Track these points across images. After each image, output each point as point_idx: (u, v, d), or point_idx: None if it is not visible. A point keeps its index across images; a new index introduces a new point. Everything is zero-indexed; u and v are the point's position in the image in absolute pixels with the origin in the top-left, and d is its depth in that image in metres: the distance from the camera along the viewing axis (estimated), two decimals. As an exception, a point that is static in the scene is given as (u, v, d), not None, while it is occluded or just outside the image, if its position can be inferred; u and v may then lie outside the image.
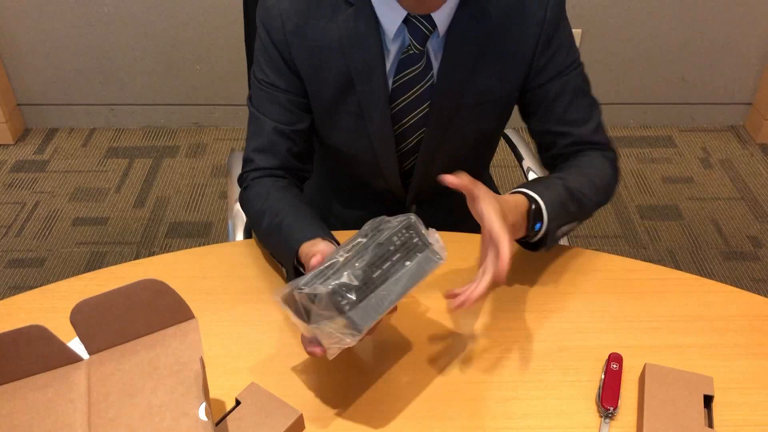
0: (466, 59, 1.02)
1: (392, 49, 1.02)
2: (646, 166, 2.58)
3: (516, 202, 0.93)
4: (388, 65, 1.03)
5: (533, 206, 0.94)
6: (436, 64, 1.03)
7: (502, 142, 1.47)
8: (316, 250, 0.87)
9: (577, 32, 2.54)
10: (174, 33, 2.55)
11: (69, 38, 2.55)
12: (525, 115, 1.13)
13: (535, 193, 0.95)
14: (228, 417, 0.80)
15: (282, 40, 1.02)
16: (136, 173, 2.55)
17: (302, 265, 0.93)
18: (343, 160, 1.15)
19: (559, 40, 1.04)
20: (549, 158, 1.14)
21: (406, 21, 0.99)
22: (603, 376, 0.88)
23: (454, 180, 0.84)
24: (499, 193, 1.38)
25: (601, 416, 0.84)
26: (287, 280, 0.98)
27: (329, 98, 1.05)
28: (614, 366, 0.89)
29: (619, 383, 0.86)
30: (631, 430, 0.83)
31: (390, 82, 1.04)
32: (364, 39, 1.00)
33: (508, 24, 1.02)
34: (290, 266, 0.95)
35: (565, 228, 0.99)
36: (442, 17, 0.99)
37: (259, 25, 1.04)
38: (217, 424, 0.80)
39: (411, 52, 1.01)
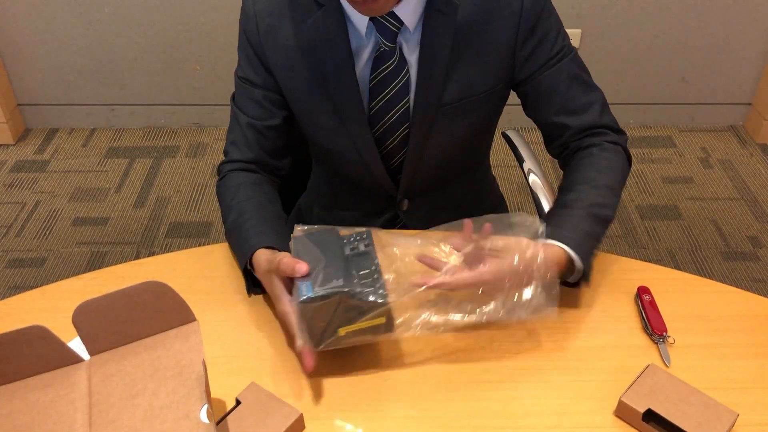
0: (442, 53, 1.02)
1: (367, 49, 1.03)
2: (646, 166, 2.58)
3: (557, 259, 0.92)
4: (361, 65, 1.04)
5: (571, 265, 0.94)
6: (412, 60, 1.03)
7: (502, 142, 1.47)
8: (275, 259, 0.90)
9: (577, 32, 2.55)
10: (174, 33, 2.55)
11: (69, 38, 2.55)
12: (526, 109, 1.13)
13: (562, 242, 0.94)
14: (228, 417, 0.81)
15: (256, 40, 1.05)
16: (136, 173, 2.55)
17: (253, 268, 0.97)
18: (332, 159, 1.17)
19: (543, 29, 1.04)
20: (556, 148, 1.13)
21: (373, 19, 1.00)
22: (642, 310, 0.95)
23: (459, 245, 0.89)
24: (500, 193, 1.39)
25: (655, 342, 0.93)
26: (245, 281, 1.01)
27: (305, 98, 1.08)
28: (647, 297, 0.97)
29: (658, 309, 0.96)
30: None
31: (367, 81, 1.05)
32: (332, 40, 1.02)
33: (483, 16, 1.01)
34: (243, 267, 0.99)
35: (596, 251, 0.99)
36: (406, 11, 0.99)
37: (239, 24, 1.08)
38: (217, 423, 0.80)
39: (383, 49, 1.02)
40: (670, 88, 2.70)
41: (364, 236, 0.89)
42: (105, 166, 2.59)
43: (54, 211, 2.38)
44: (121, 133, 2.75)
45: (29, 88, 2.68)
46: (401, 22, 1.00)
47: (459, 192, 1.23)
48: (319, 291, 0.81)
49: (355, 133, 1.08)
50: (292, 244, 0.89)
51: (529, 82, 1.07)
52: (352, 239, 0.89)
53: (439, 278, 0.86)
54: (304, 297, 0.81)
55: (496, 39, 1.03)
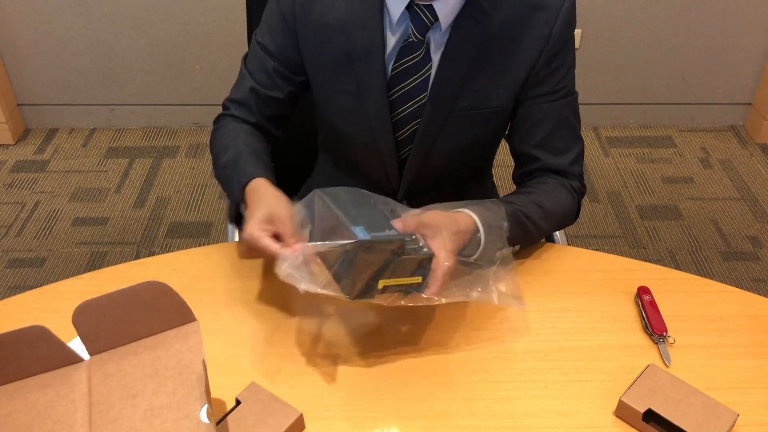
0: (464, 59, 1.03)
1: (395, 36, 1.04)
2: (646, 166, 2.58)
3: (467, 225, 0.94)
4: (388, 50, 1.04)
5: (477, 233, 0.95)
6: (435, 59, 1.04)
7: (503, 142, 1.47)
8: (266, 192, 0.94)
9: (577, 32, 2.55)
10: (174, 33, 2.55)
11: (69, 38, 2.55)
12: (509, 132, 1.14)
13: (477, 216, 0.95)
14: (228, 417, 0.81)
15: (290, 11, 1.06)
16: (136, 173, 2.55)
17: (243, 201, 0.99)
18: (343, 142, 1.17)
19: (561, 61, 1.05)
20: (519, 176, 1.15)
21: (409, 8, 1.00)
22: (642, 310, 0.96)
23: (399, 226, 0.87)
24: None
25: (655, 342, 0.93)
26: (228, 212, 1.04)
27: (328, 74, 1.08)
28: (647, 297, 0.97)
29: (658, 309, 0.96)
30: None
31: (389, 68, 1.05)
32: (366, 20, 1.02)
33: (511, 35, 1.02)
34: (236, 197, 1.00)
35: (501, 252, 0.98)
36: (444, 10, 1.00)
37: None
38: (217, 423, 0.80)
39: (411, 40, 1.02)
40: (670, 88, 2.70)
41: (386, 200, 0.91)
42: (105, 166, 2.59)
43: (54, 211, 2.38)
44: (121, 133, 2.75)
45: (29, 88, 2.68)
46: (436, 18, 1.00)
47: (457, 199, 1.23)
48: (379, 236, 0.80)
49: (374, 116, 1.08)
50: (320, 197, 0.88)
51: (524, 106, 1.09)
52: (379, 200, 0.90)
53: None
54: (364, 238, 0.79)
55: (520, 58, 1.04)
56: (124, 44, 2.57)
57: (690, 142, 2.71)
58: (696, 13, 2.52)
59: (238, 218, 1.03)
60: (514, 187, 1.15)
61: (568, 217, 1.10)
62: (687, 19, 2.53)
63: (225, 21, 2.51)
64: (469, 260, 0.93)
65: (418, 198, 1.21)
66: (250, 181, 0.99)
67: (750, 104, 2.75)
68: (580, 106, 1.12)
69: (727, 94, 2.73)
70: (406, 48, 1.03)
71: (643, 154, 2.64)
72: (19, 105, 2.71)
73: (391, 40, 1.04)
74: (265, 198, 0.95)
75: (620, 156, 2.61)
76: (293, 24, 1.06)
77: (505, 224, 0.97)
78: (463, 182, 1.23)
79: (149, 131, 2.76)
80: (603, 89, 2.67)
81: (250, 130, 1.12)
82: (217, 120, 1.17)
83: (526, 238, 1.04)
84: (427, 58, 1.03)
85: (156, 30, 2.54)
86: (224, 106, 1.17)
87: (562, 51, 1.05)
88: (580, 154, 1.12)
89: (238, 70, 1.15)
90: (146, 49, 2.58)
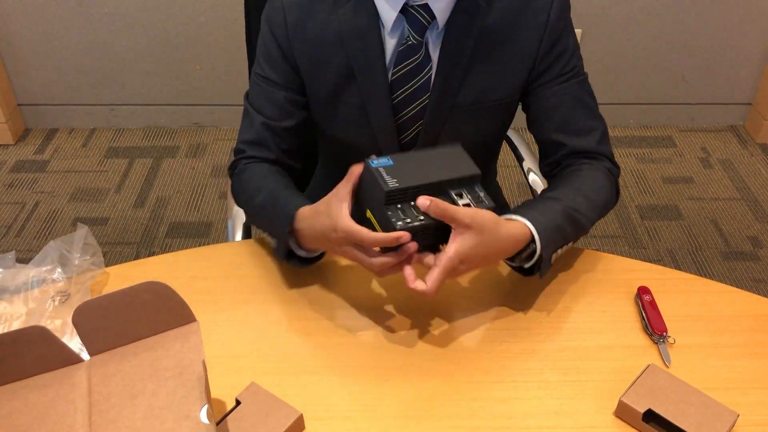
0: (463, 54, 1.02)
1: (391, 42, 1.03)
2: (646, 166, 2.58)
3: (516, 234, 0.91)
4: (387, 57, 1.03)
5: (532, 244, 0.92)
6: (434, 57, 1.03)
7: (504, 143, 1.47)
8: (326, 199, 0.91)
9: (577, 32, 2.54)
10: (174, 33, 2.55)
11: (69, 38, 2.55)
12: (529, 124, 1.12)
13: (529, 220, 0.93)
14: (228, 417, 0.81)
15: (283, 33, 1.03)
16: (136, 173, 2.55)
17: (293, 234, 0.95)
18: (345, 151, 1.15)
19: (562, 46, 1.04)
20: (547, 165, 1.13)
21: (404, 12, 1.00)
22: (642, 311, 0.96)
23: (426, 204, 0.85)
24: (504, 202, 1.38)
25: (655, 342, 0.93)
26: (275, 251, 1.00)
27: (329, 90, 1.06)
28: (647, 297, 0.97)
29: (658, 309, 0.96)
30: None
31: (390, 73, 1.04)
32: (364, 32, 1.01)
33: (509, 25, 1.02)
34: (283, 232, 0.95)
35: (560, 251, 0.97)
36: (440, 6, 0.99)
37: (262, 20, 1.06)
38: (217, 424, 0.80)
39: (410, 42, 1.02)
40: (670, 88, 2.70)
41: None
42: (105, 166, 2.59)
43: (54, 211, 2.38)
44: (121, 133, 2.75)
45: (29, 88, 2.68)
46: (433, 17, 0.99)
47: None
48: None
49: (378, 123, 1.07)
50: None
51: (535, 94, 1.07)
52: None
53: (421, 285, 0.85)
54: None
55: (519, 49, 1.03)
56: (124, 44, 2.57)
57: (690, 142, 2.71)
58: (696, 13, 2.52)
59: (288, 255, 0.98)
60: (514, 187, 1.15)
61: (610, 202, 1.06)
62: (687, 19, 2.53)
63: (225, 21, 2.51)
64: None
65: None
66: (296, 211, 0.94)
67: (750, 104, 2.75)
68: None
69: (727, 94, 2.73)
70: (404, 51, 1.02)
71: (643, 154, 2.64)
72: (19, 105, 2.71)
73: (389, 47, 1.03)
74: (321, 216, 0.90)
75: (620, 156, 2.61)
76: (289, 46, 1.04)
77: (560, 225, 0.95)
78: None
79: (149, 131, 2.76)
80: (603, 89, 2.67)
81: (273, 168, 1.08)
82: (233, 166, 1.11)
83: (579, 233, 0.99)
84: (427, 58, 1.03)
85: (156, 30, 2.54)
86: (237, 151, 1.11)
87: (562, 36, 1.04)
88: (605, 134, 1.09)
89: (243, 110, 1.11)
90: (146, 49, 2.58)
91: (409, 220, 0.85)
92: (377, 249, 0.88)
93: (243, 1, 1.28)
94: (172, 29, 2.54)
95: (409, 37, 1.02)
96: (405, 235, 0.84)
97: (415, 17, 1.00)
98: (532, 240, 0.92)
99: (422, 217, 0.85)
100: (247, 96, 1.11)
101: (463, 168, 0.90)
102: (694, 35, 2.57)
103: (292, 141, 1.10)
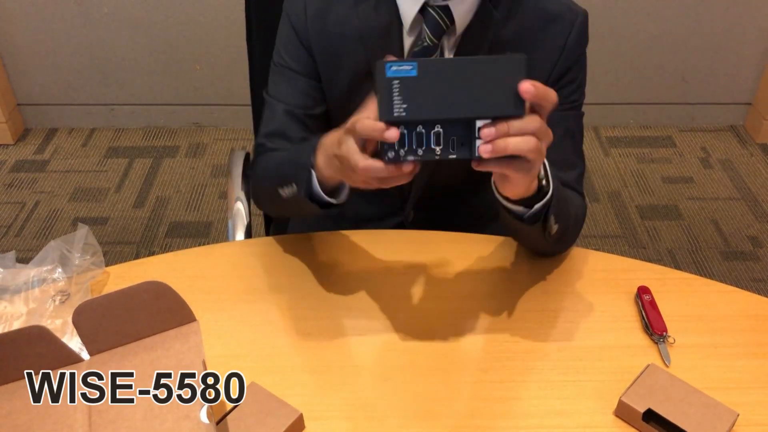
0: None
1: (407, 42, 1.02)
2: (646, 166, 2.58)
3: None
4: (404, 57, 1.02)
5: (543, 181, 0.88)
6: None
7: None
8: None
9: (577, 32, 2.55)
10: (174, 33, 2.55)
11: (69, 38, 2.55)
12: None
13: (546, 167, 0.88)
14: (228, 417, 0.81)
15: (302, 23, 1.02)
16: (136, 173, 2.55)
17: (314, 166, 0.88)
18: None
19: (572, 76, 1.04)
20: None
21: (423, 12, 0.98)
22: (642, 310, 0.96)
23: (530, 89, 0.75)
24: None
25: (655, 342, 0.93)
26: (297, 194, 0.90)
27: (345, 87, 1.05)
28: (647, 297, 0.97)
29: (658, 309, 0.96)
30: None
31: None
32: (384, 30, 1.00)
33: (524, 43, 1.01)
34: (310, 163, 0.88)
35: (551, 222, 0.92)
36: (460, 12, 0.98)
37: (283, 8, 1.05)
38: (217, 423, 0.80)
39: (425, 44, 1.00)
40: (670, 88, 2.70)
41: None
42: (105, 166, 2.59)
43: (54, 211, 2.38)
44: (121, 133, 2.75)
45: (29, 88, 2.68)
46: (452, 21, 0.98)
47: (465, 213, 1.21)
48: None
49: None
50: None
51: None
52: None
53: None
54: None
55: (532, 68, 1.02)
56: (124, 44, 2.57)
57: (690, 142, 2.71)
58: (696, 13, 2.52)
59: (310, 197, 0.90)
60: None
61: (579, 223, 1.05)
62: (687, 19, 2.53)
63: (225, 21, 2.51)
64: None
65: (424, 213, 1.20)
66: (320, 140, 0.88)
67: (750, 104, 2.75)
68: (580, 106, 1.11)
69: (727, 94, 2.73)
70: (419, 53, 1.01)
71: (643, 154, 2.64)
72: (19, 105, 2.71)
73: (405, 48, 1.02)
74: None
75: (620, 156, 2.62)
76: (306, 36, 1.03)
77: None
78: (476, 185, 1.22)
79: (149, 131, 2.76)
80: (603, 89, 2.67)
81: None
82: (254, 162, 1.08)
83: (563, 219, 0.95)
84: None
85: (156, 30, 2.54)
86: (258, 146, 1.07)
87: (575, 66, 1.03)
88: (582, 175, 1.09)
89: (264, 105, 1.06)
90: (146, 49, 2.58)
91: (403, 152, 0.72)
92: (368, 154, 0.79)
93: (243, 1, 1.28)
94: (172, 29, 2.54)
95: (425, 38, 1.00)
96: (393, 132, 0.72)
97: (433, 18, 0.99)
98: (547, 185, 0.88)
99: (423, 151, 0.71)
100: (266, 89, 1.08)
101: (505, 103, 0.71)
102: (694, 35, 2.57)
103: (317, 131, 1.05)
